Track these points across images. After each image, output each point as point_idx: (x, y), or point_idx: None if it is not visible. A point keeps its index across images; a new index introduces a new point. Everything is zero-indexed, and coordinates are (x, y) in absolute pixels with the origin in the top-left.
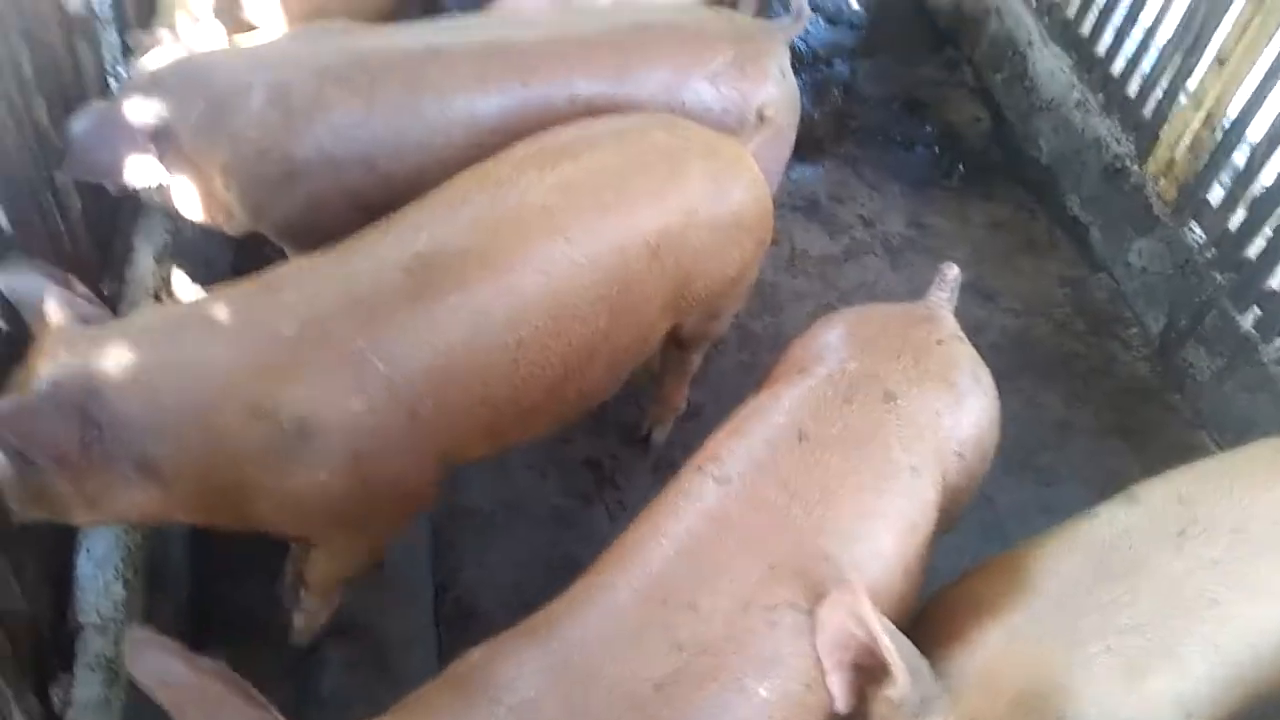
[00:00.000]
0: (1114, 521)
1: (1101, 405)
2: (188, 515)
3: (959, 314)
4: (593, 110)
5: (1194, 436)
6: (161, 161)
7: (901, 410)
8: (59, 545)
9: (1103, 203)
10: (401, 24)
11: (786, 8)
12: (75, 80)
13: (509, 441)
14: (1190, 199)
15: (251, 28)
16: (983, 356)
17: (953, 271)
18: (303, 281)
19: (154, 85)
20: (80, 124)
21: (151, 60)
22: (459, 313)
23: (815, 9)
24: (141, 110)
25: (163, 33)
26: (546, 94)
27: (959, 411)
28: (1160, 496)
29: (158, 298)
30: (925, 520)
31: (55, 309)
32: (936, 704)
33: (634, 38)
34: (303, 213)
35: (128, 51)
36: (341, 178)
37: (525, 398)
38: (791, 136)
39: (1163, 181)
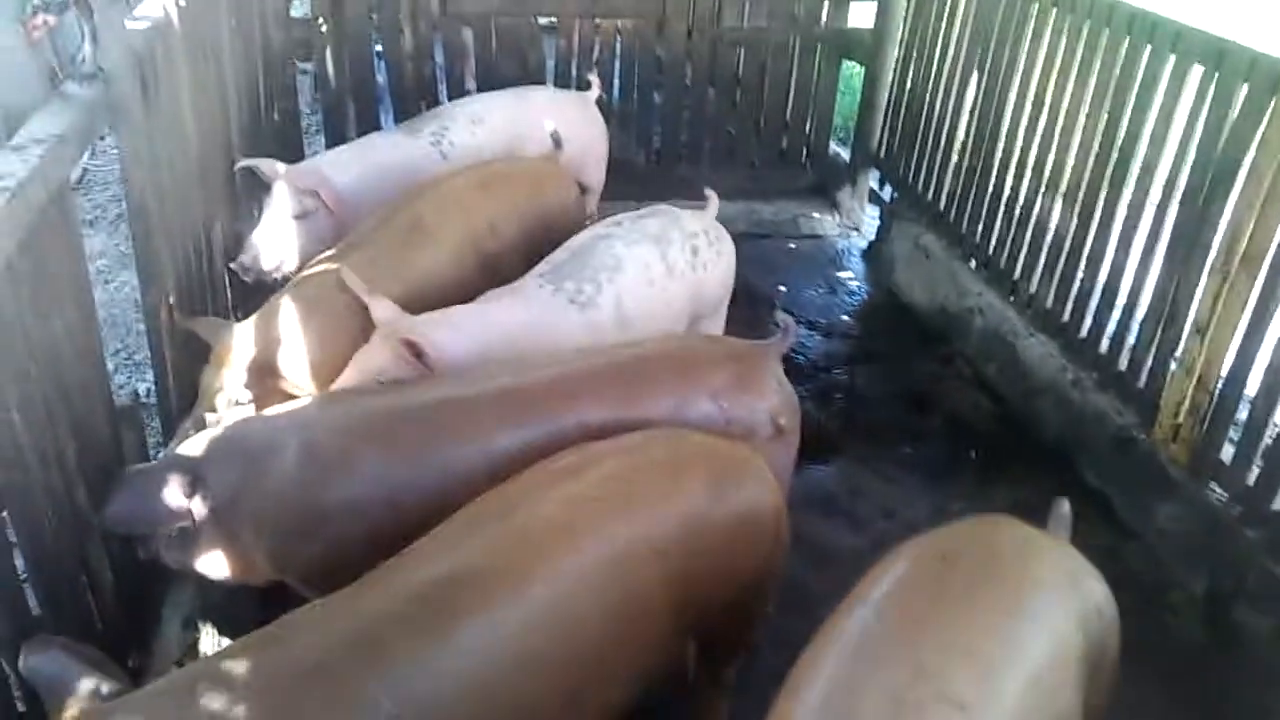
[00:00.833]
0: None
1: (1165, 675)
2: None
3: None
4: (604, 436)
5: (1270, 693)
6: (197, 519)
7: None
8: None
9: (1118, 472)
10: (422, 381)
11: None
12: (117, 464)
13: None
14: (1203, 460)
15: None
16: None
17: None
18: (313, 625)
19: (193, 448)
20: (124, 479)
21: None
22: (474, 633)
23: (810, 325)
24: (182, 468)
25: (205, 416)
26: (560, 427)
27: None
28: None
29: (180, 664)
30: None
31: (78, 692)
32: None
33: (637, 369)
34: (326, 557)
35: (170, 436)
36: (365, 521)
37: (541, 714)
38: (795, 441)
39: (1173, 446)
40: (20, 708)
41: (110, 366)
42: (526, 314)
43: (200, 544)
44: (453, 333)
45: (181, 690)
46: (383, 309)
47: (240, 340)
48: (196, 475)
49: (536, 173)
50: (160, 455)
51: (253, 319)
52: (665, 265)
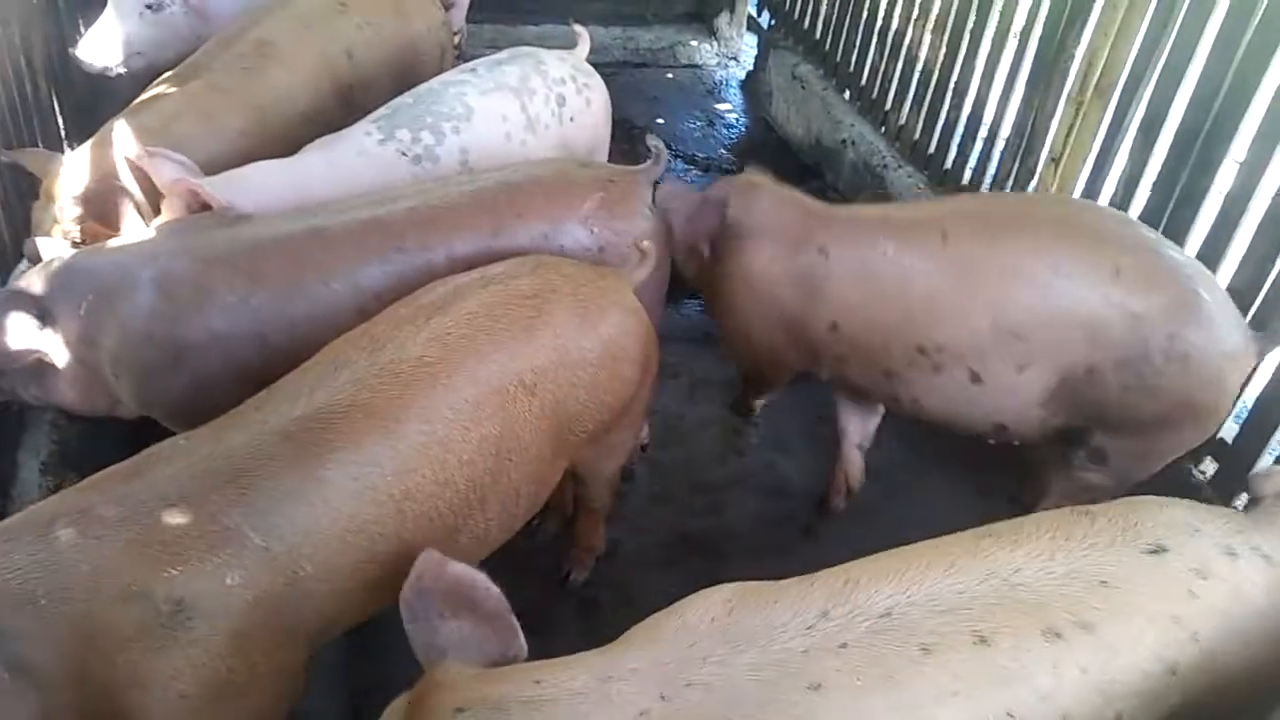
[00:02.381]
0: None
1: None
2: None
3: None
4: (474, 266)
5: None
6: (50, 354)
7: None
8: None
9: None
10: (280, 211)
11: (649, 154)
12: None
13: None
14: None
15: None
16: (894, 453)
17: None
18: (176, 459)
19: (39, 282)
20: None
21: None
22: (343, 470)
23: (689, 159)
24: (28, 301)
25: (38, 250)
26: (426, 258)
27: None
28: (844, 574)
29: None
30: None
31: None
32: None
33: (504, 196)
34: (192, 393)
35: (5, 274)
36: (230, 356)
37: (415, 550)
38: (667, 267)
39: None
40: None
41: None
42: (346, 166)
43: (59, 379)
44: (252, 195)
45: (39, 523)
46: (167, 169)
47: (70, 171)
48: (44, 309)
49: None
50: None
51: (84, 147)
52: (526, 118)
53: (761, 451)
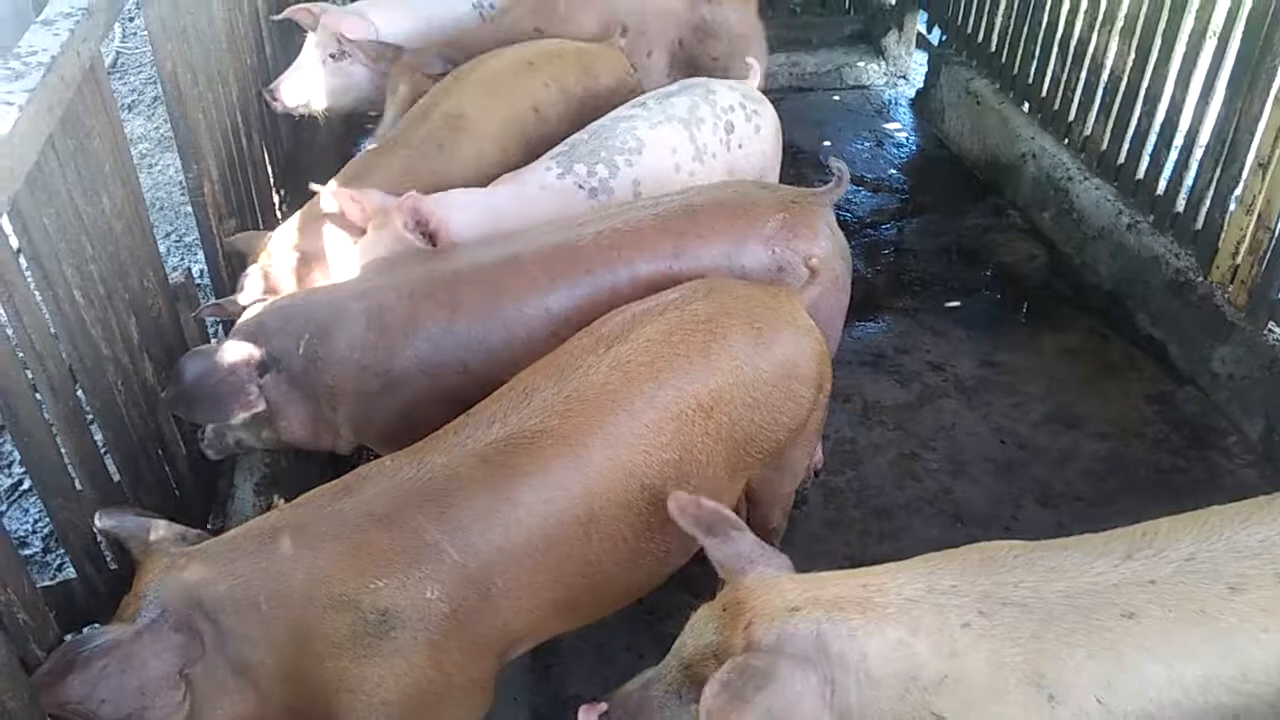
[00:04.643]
0: (1071, 541)
1: None
2: (279, 718)
3: (1042, 445)
4: (656, 287)
5: None
6: (269, 395)
7: None
8: None
9: (1174, 317)
10: (474, 240)
11: (828, 179)
12: (179, 341)
13: (587, 617)
14: (1262, 300)
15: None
16: (1076, 484)
17: None
18: (382, 478)
19: (259, 325)
20: (190, 366)
21: (251, 309)
22: (533, 492)
23: (858, 180)
24: (248, 347)
25: (252, 281)
26: (612, 280)
27: None
28: (1140, 529)
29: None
30: None
31: (158, 537)
32: (762, 555)
33: (686, 218)
34: (404, 419)
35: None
36: (438, 383)
37: (599, 571)
38: (847, 288)
39: (1231, 287)
40: (112, 566)
41: (162, 249)
42: (530, 199)
43: (288, 421)
44: (455, 213)
45: (261, 535)
46: (374, 197)
47: (281, 236)
48: (265, 358)
49: (585, 52)
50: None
51: (293, 218)
52: (694, 148)
53: (939, 476)
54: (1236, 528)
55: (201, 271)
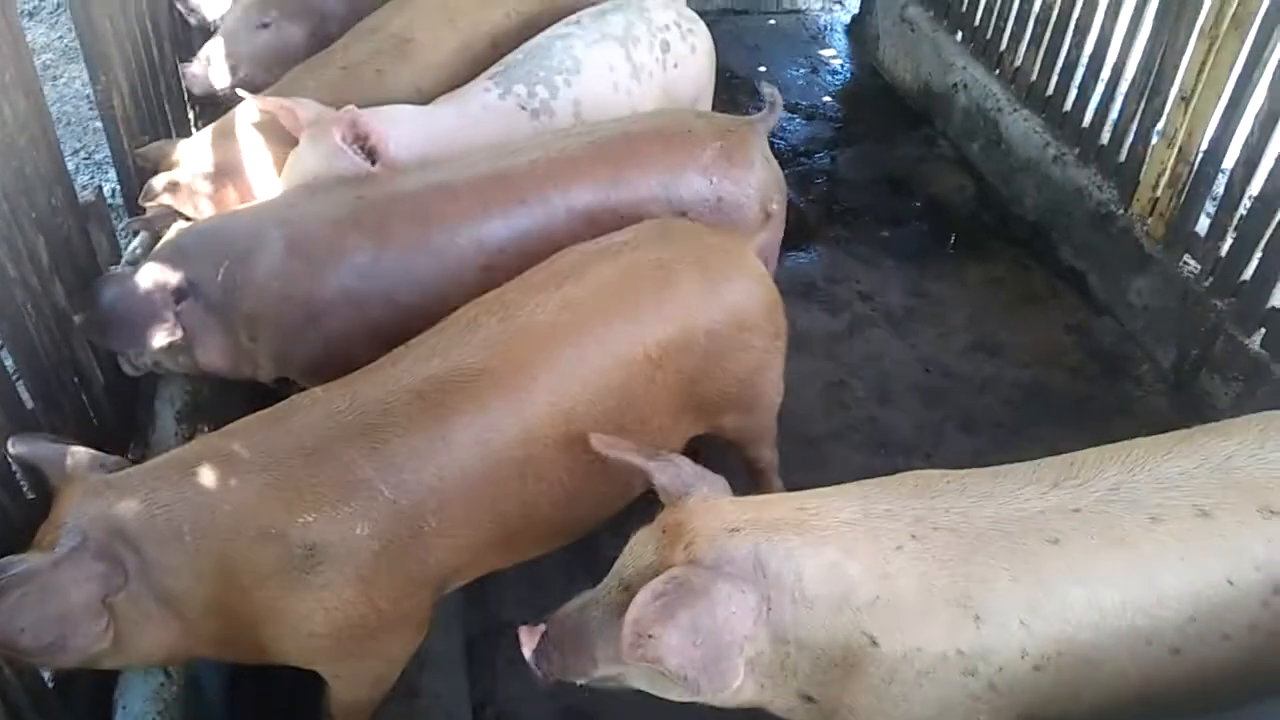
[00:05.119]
0: (1000, 470)
1: None
2: (209, 650)
3: (965, 373)
4: (593, 218)
5: None
6: (186, 322)
7: None
8: (96, 704)
9: (1095, 248)
10: (405, 169)
11: (761, 105)
12: (91, 263)
13: (522, 555)
14: (1179, 233)
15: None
16: (996, 411)
17: None
18: (314, 410)
19: (177, 249)
20: (106, 292)
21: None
22: (470, 431)
23: (791, 107)
24: (166, 273)
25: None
26: (547, 211)
27: None
28: (1068, 459)
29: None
30: None
31: (77, 463)
32: (703, 484)
33: (623, 146)
34: (327, 352)
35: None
36: (364, 314)
37: (535, 512)
38: (782, 221)
39: (1150, 220)
40: (30, 495)
41: (71, 167)
42: (474, 119)
43: (206, 348)
44: (396, 129)
45: (186, 463)
46: (308, 108)
47: (194, 151)
48: (183, 284)
49: None
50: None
51: (205, 131)
52: (631, 66)
53: (866, 405)
54: (1159, 460)
55: (114, 190)
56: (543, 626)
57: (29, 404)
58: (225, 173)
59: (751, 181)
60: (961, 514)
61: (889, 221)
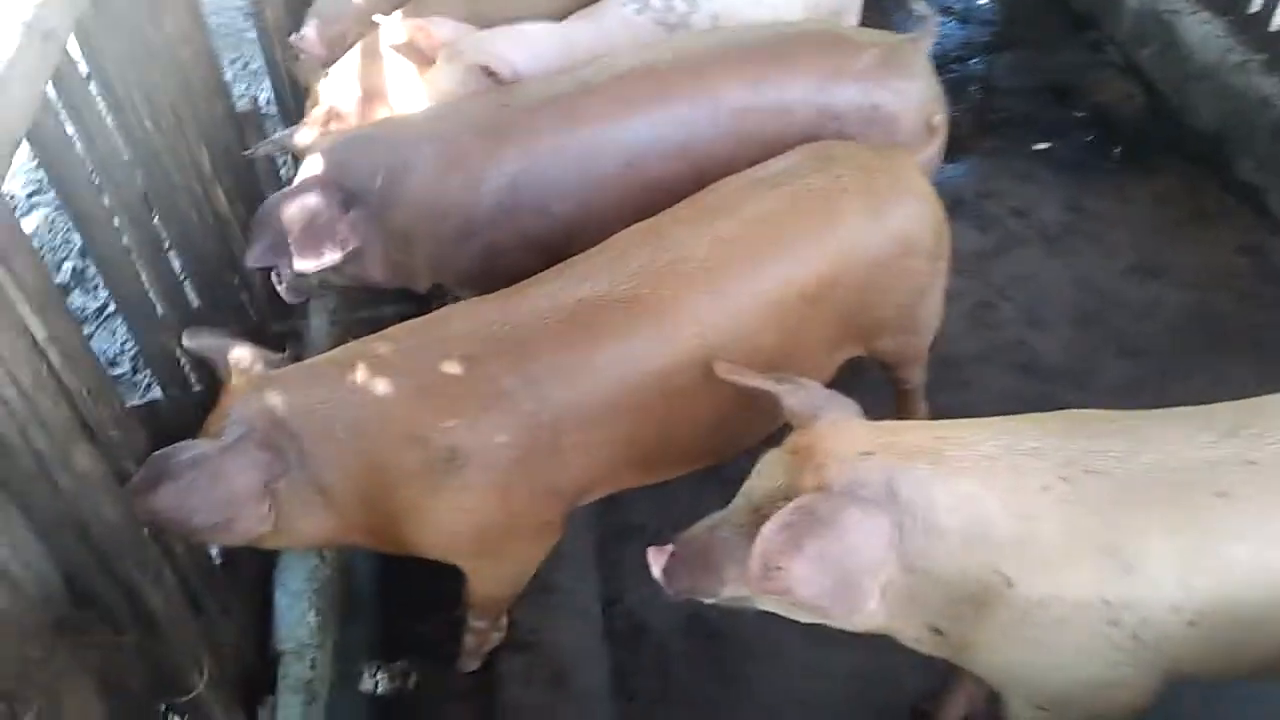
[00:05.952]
0: (1168, 413)
1: None
2: (360, 538)
3: (1125, 296)
4: (740, 118)
5: None
6: (353, 232)
7: None
8: (258, 581)
9: (1277, 163)
10: (550, 72)
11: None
12: (248, 170)
13: (659, 476)
14: None
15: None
16: (1157, 337)
17: None
18: (465, 321)
19: (336, 161)
20: (278, 210)
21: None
22: (613, 360)
23: (945, 10)
24: (331, 184)
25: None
26: (691, 107)
27: None
28: (1242, 405)
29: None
30: None
31: (241, 357)
32: (834, 407)
33: (774, 47)
34: (484, 264)
35: None
36: (517, 224)
37: (675, 442)
38: (944, 137)
39: None
40: (196, 387)
41: (228, 77)
42: (608, 33)
43: (368, 257)
44: (526, 51)
45: (342, 364)
46: (446, 28)
47: (337, 78)
48: (346, 195)
49: None
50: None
51: (350, 55)
52: None
53: (1014, 327)
54: None
55: (268, 100)
56: (671, 546)
57: (195, 303)
58: (372, 93)
59: (911, 92)
60: (1119, 459)
61: (1048, 133)
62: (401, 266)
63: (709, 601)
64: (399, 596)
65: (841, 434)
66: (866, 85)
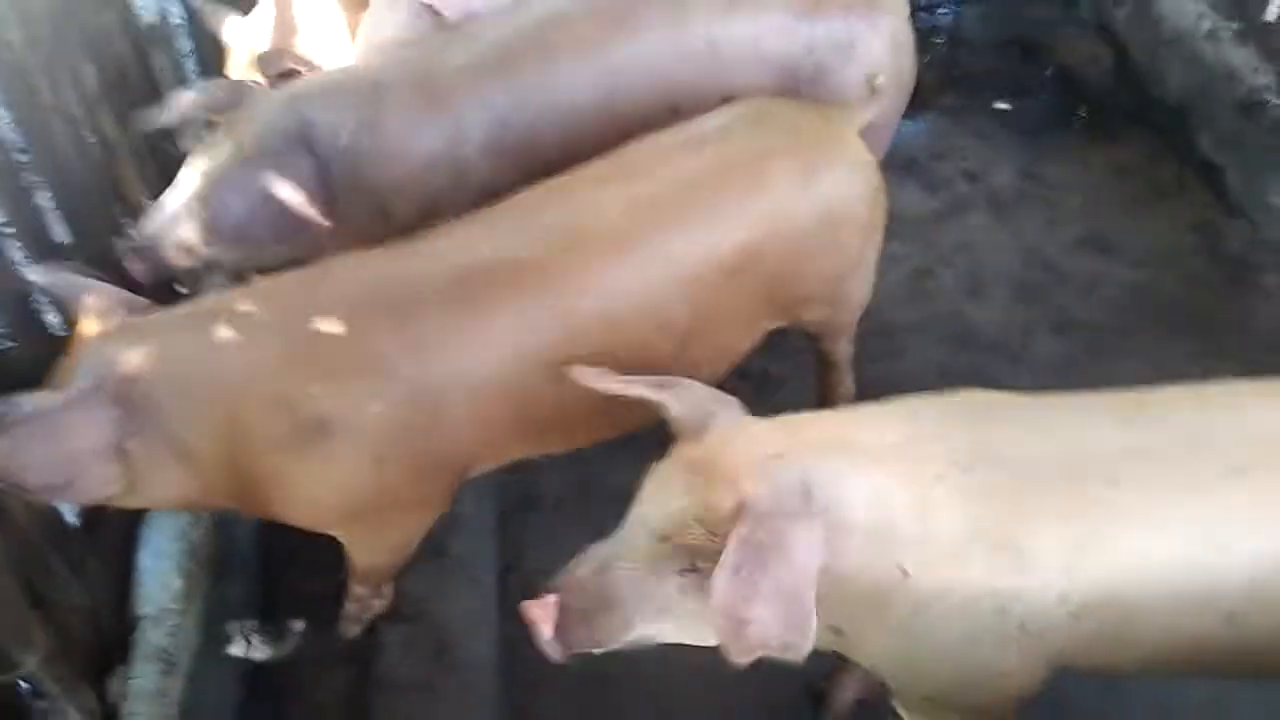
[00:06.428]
0: (1063, 399)
1: (1240, 364)
2: (224, 502)
3: (1070, 269)
4: (713, 52)
5: None
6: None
7: None
8: (123, 540)
9: (1239, 141)
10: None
11: None
12: (149, 88)
13: (555, 449)
14: None
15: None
16: (1097, 314)
17: None
18: (347, 277)
19: (296, 117)
20: (229, 194)
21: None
22: (505, 328)
23: None
24: (294, 150)
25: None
26: (661, 41)
27: None
28: (1139, 395)
29: None
30: None
31: (96, 302)
32: (721, 410)
33: None
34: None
35: (202, 62)
36: (512, 164)
37: (573, 416)
38: (908, 94)
39: None
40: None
41: None
42: None
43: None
44: None
45: (209, 315)
46: None
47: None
48: (305, 143)
49: None
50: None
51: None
52: None
53: (953, 297)
54: (1245, 406)
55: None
56: (552, 598)
57: (62, 240)
58: (290, 40)
59: (888, 32)
60: (1015, 445)
61: (1010, 91)
62: (369, 239)
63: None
64: (282, 553)
65: (742, 439)
66: (845, 18)
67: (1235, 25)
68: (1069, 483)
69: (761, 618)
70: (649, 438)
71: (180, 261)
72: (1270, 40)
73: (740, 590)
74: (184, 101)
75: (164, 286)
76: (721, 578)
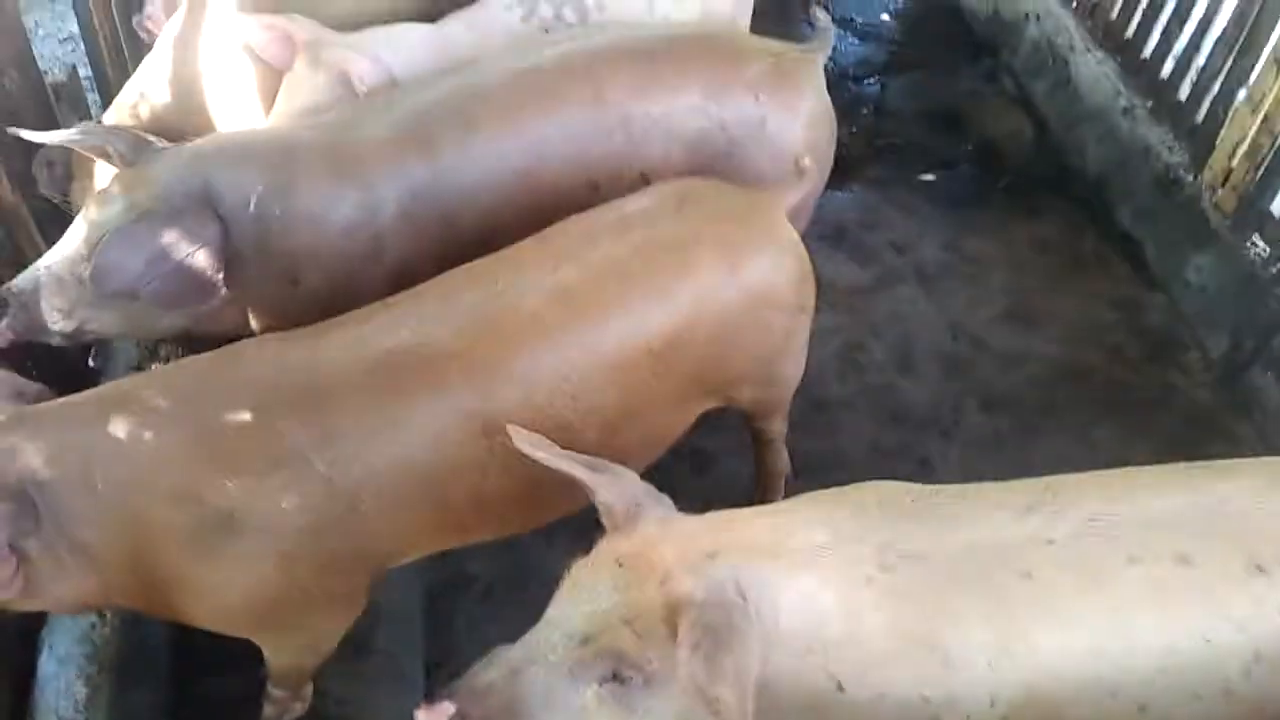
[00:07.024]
0: (969, 490)
1: (1161, 440)
2: (128, 603)
3: (995, 344)
4: (627, 124)
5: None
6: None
7: None
8: (21, 645)
9: (1156, 217)
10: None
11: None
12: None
13: (476, 539)
14: (1250, 210)
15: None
16: (1022, 390)
17: None
18: (258, 363)
19: (200, 179)
20: (124, 253)
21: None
22: (426, 415)
23: (845, 24)
24: (198, 214)
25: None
26: (579, 115)
27: None
28: (1043, 483)
29: (139, 369)
30: None
31: None
32: (652, 504)
33: (665, 49)
34: (399, 283)
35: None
36: (427, 238)
37: (495, 506)
38: (828, 166)
39: (1220, 191)
40: None
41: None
42: (488, 43)
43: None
44: (404, 54)
45: (106, 404)
46: (306, 27)
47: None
48: (219, 224)
49: None
50: None
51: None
52: None
53: (884, 370)
54: (1147, 494)
55: (90, 78)
56: (449, 705)
57: None
58: (192, 93)
59: (802, 109)
60: (930, 539)
61: (934, 163)
62: (271, 307)
63: None
64: (195, 653)
65: (678, 534)
66: (758, 96)
67: (1149, 103)
68: (985, 576)
69: (730, 700)
70: (585, 518)
71: (56, 323)
72: (1184, 118)
73: (706, 670)
74: (79, 138)
75: (61, 363)
76: (684, 655)
